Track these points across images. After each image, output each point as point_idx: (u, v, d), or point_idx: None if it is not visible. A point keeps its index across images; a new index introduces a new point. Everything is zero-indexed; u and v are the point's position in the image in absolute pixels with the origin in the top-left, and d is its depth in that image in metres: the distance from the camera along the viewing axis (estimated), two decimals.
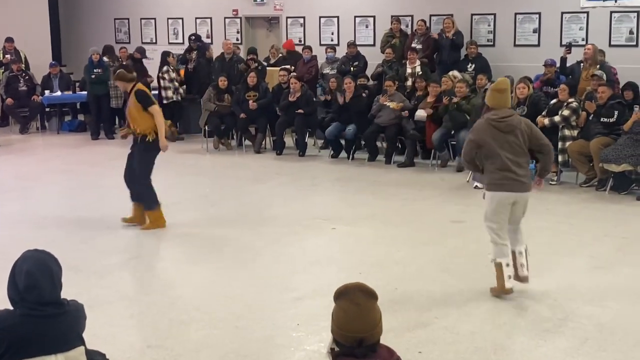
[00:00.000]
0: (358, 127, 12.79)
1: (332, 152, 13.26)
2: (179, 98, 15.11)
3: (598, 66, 12.21)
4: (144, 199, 8.97)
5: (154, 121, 8.78)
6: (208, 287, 7.07)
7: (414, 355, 5.32)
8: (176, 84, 15.07)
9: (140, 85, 8.99)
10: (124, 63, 15.09)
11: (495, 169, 6.52)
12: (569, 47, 12.93)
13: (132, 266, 7.72)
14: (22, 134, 15.75)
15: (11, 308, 3.87)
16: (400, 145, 12.60)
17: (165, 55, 15.28)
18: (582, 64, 12.40)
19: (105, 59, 15.43)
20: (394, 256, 7.90)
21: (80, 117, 16.73)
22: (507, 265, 6.56)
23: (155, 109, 8.83)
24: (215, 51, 16.02)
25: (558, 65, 12.84)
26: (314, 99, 13.74)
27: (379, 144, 12.91)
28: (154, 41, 18.69)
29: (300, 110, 13.13)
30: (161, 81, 15.04)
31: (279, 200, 10.44)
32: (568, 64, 12.72)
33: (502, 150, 6.46)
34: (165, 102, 15.08)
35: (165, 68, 15.01)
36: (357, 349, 3.09)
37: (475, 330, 5.97)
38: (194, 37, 16.19)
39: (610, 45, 13.34)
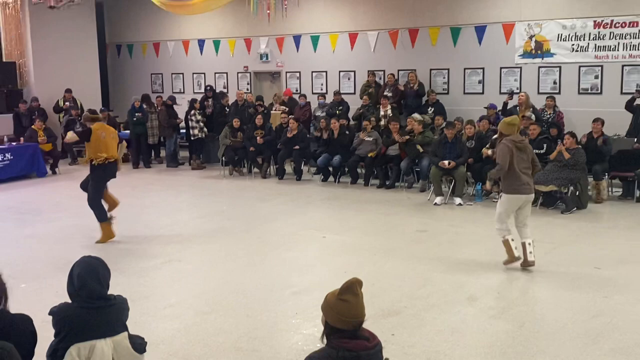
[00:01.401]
0: (342, 157, 12.80)
1: (322, 177, 13.24)
2: (203, 135, 15.12)
3: (531, 109, 12.31)
4: (95, 212, 8.80)
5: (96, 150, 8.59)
6: (224, 285, 7.03)
7: (388, 337, 5.30)
8: (201, 124, 15.07)
9: (94, 125, 8.72)
10: (144, 107, 15.07)
11: (513, 178, 7.20)
12: (510, 94, 13.03)
13: (164, 268, 7.67)
14: (70, 165, 15.67)
15: (69, 301, 3.85)
16: (375, 171, 12.61)
17: (192, 102, 15.31)
18: (517, 107, 12.47)
19: (144, 105, 15.42)
20: (371, 258, 7.88)
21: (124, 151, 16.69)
22: (512, 240, 7.28)
23: (72, 135, 8.83)
24: (231, 99, 16.07)
25: (500, 108, 12.92)
26: (308, 136, 13.75)
27: (359, 170, 12.91)
28: (182, 91, 18.70)
29: (296, 147, 13.15)
30: (189, 122, 15.05)
31: (281, 215, 10.40)
32: (508, 107, 12.80)
33: (518, 164, 7.20)
34: (192, 138, 15.11)
35: (192, 112, 15.03)
36: (357, 330, 3.11)
37: (437, 317, 5.95)
38: (209, 87, 16.25)
39: (538, 92, 13.44)
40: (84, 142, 8.78)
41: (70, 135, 9.03)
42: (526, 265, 7.28)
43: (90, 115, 9.06)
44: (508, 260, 7.36)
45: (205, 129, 15.11)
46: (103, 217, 8.83)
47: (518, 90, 13.43)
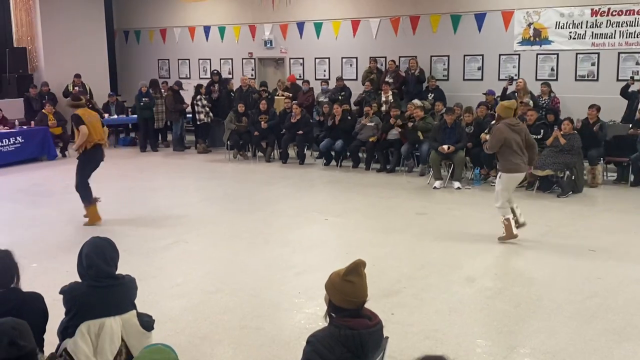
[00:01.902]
0: (344, 142, 12.77)
1: (325, 161, 13.22)
2: (209, 120, 15.08)
3: (529, 95, 12.26)
4: (81, 196, 8.79)
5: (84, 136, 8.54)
6: (229, 265, 7.06)
7: (388, 316, 5.31)
8: (207, 109, 15.03)
9: (78, 111, 8.66)
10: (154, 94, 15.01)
11: (510, 158, 7.51)
12: (510, 80, 12.97)
13: (171, 249, 7.69)
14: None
15: (79, 280, 3.87)
16: (376, 156, 12.59)
17: (198, 87, 15.25)
18: (516, 94, 12.43)
19: (150, 90, 15.38)
20: (372, 240, 7.89)
21: (132, 135, 16.68)
22: (511, 220, 7.62)
23: (83, 129, 8.53)
24: (235, 84, 16.03)
25: (499, 93, 12.86)
26: (311, 121, 13.72)
27: (360, 154, 12.89)
28: (188, 76, 18.62)
29: (299, 132, 13.13)
30: (195, 107, 15.01)
31: (284, 198, 10.41)
32: (507, 93, 12.74)
33: (513, 145, 7.48)
34: (198, 122, 15.07)
35: (198, 97, 14.98)
36: (360, 310, 3.14)
37: (435, 297, 5.97)
38: (215, 72, 16.19)
39: (536, 79, 13.37)
40: (77, 128, 8.57)
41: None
42: (519, 226, 7.73)
43: (73, 102, 8.97)
44: (506, 237, 7.62)
45: (211, 114, 15.08)
46: (89, 201, 8.77)
47: (516, 77, 13.35)
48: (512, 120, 7.63)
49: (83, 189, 8.79)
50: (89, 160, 8.84)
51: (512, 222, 7.65)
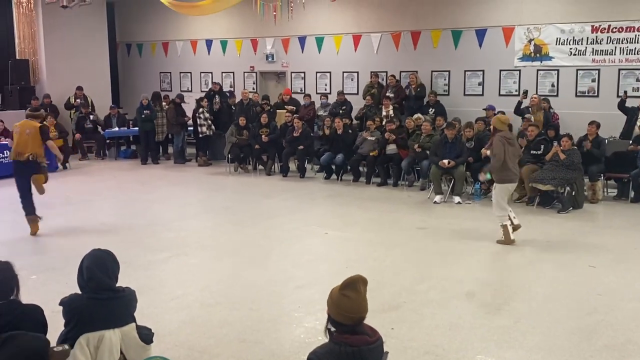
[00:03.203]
0: (345, 156, 12.80)
1: (325, 174, 13.24)
2: (211, 133, 15.10)
3: (542, 111, 12.27)
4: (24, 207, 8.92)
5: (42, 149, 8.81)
6: (229, 278, 7.04)
7: (388, 331, 5.30)
8: (209, 122, 15.06)
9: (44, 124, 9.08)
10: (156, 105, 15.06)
11: (507, 169, 8.01)
12: (525, 93, 12.99)
13: (170, 262, 7.68)
14: (80, 160, 15.66)
15: (79, 292, 3.87)
16: (377, 170, 12.60)
17: (200, 100, 15.30)
18: (530, 109, 12.45)
19: (151, 103, 15.41)
20: (372, 254, 7.89)
21: (133, 147, 16.71)
22: (510, 225, 8.13)
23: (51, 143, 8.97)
24: (237, 97, 16.08)
25: (499, 109, 12.88)
26: (312, 134, 13.75)
27: (361, 168, 12.90)
28: (190, 89, 18.69)
29: (300, 147, 13.16)
30: (197, 119, 15.04)
31: (284, 211, 10.41)
32: (522, 107, 12.76)
33: (510, 156, 8.00)
34: (200, 135, 15.09)
35: (200, 110, 15.02)
36: (358, 326, 3.11)
37: (435, 312, 5.95)
38: (216, 83, 16.25)
39: (537, 95, 13.40)
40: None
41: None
42: (516, 229, 8.23)
43: (38, 114, 9.26)
44: (504, 241, 8.12)
45: (213, 127, 15.10)
46: (26, 212, 8.87)
47: (517, 93, 13.39)
48: (508, 133, 8.20)
49: (21, 199, 8.88)
50: (15, 172, 8.98)
51: (510, 229, 8.14)
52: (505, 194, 8.22)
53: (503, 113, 12.85)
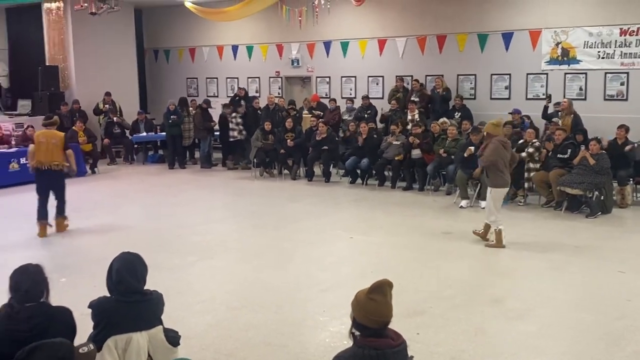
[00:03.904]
0: (370, 160, 12.79)
1: (350, 179, 13.24)
2: (242, 137, 15.15)
3: (572, 115, 12.14)
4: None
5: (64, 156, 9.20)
6: (254, 282, 7.08)
7: (413, 336, 5.28)
8: (241, 126, 15.14)
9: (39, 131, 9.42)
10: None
11: (501, 173, 8.11)
12: (549, 97, 12.89)
13: (197, 265, 7.75)
14: (109, 165, 15.86)
15: (108, 295, 3.92)
16: (402, 174, 12.57)
17: (231, 104, 15.40)
18: (559, 113, 12.34)
19: (179, 108, 15.55)
20: (397, 258, 7.87)
21: (160, 152, 16.88)
22: (504, 230, 8.22)
23: (30, 147, 9.23)
24: (262, 102, 16.14)
25: (525, 113, 12.81)
26: (337, 139, 13.76)
27: (386, 173, 12.89)
28: (216, 95, 18.83)
29: (324, 147, 13.19)
30: (229, 124, 15.14)
31: (309, 215, 10.43)
32: (549, 111, 12.68)
33: (504, 162, 8.11)
34: (231, 139, 15.19)
35: (233, 114, 15.12)
36: (382, 330, 3.11)
37: (461, 317, 5.92)
38: (241, 88, 16.32)
39: (564, 99, 13.26)
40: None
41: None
42: (498, 247, 8.20)
43: (44, 120, 9.63)
44: (496, 245, 8.21)
45: (244, 132, 15.13)
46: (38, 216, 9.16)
47: (544, 96, 13.29)
48: (503, 138, 8.36)
49: (38, 203, 9.19)
50: (37, 180, 9.32)
51: (503, 234, 8.22)
52: (500, 198, 8.32)
53: (528, 117, 12.96)
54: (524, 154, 10.74)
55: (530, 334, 5.54)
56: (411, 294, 6.46)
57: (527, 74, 14.00)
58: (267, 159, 14.13)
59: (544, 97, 13.27)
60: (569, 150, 10.53)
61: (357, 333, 3.15)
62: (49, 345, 2.87)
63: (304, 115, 15.30)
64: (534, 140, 10.91)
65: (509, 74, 14.24)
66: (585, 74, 13.35)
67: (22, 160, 13.35)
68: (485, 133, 8.53)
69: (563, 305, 6.25)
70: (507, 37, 14.13)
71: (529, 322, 5.81)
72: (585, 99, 13.30)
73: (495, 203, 8.23)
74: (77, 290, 6.55)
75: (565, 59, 13.53)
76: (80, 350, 2.96)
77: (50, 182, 9.20)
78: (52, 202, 9.29)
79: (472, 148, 10.69)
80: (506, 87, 14.32)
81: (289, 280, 7.06)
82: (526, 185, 10.80)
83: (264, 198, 11.99)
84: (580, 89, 13.44)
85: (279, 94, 17.44)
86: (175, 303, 6.16)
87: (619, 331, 5.57)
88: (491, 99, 14.49)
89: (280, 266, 7.63)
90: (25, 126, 14.43)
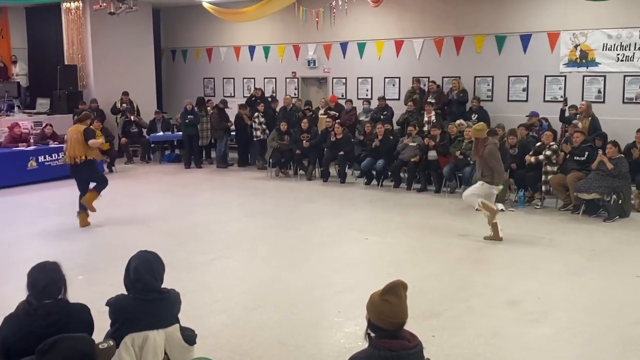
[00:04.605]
0: (386, 161, 12.76)
1: (366, 180, 13.22)
2: (265, 137, 15.13)
3: (590, 117, 12.04)
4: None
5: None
6: (270, 282, 7.09)
7: (428, 338, 5.27)
8: (263, 126, 15.15)
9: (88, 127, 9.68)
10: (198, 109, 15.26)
11: (492, 172, 8.48)
12: (565, 101, 12.82)
13: (212, 264, 7.78)
14: (126, 164, 15.95)
15: (125, 293, 3.95)
16: (418, 176, 12.54)
17: (252, 102, 15.43)
18: (577, 116, 12.25)
19: (195, 108, 15.60)
20: (412, 260, 7.86)
21: (177, 151, 16.96)
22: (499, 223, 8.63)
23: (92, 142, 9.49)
24: (279, 103, 16.16)
25: (552, 117, 12.75)
26: (352, 140, 13.75)
27: (402, 174, 12.86)
28: (233, 95, 18.89)
29: (341, 152, 13.19)
30: (253, 124, 15.18)
31: (325, 216, 10.43)
32: (566, 115, 12.61)
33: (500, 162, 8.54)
34: (255, 139, 15.24)
35: (255, 114, 15.17)
36: (398, 331, 3.11)
37: (477, 320, 5.90)
38: (258, 88, 16.34)
39: (582, 101, 13.16)
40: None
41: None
42: (492, 212, 8.67)
43: (85, 117, 9.98)
44: (493, 237, 8.63)
45: (267, 131, 15.13)
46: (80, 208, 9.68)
47: (562, 99, 13.21)
48: (493, 139, 8.75)
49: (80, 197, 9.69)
50: (71, 174, 9.83)
51: (499, 226, 8.63)
52: (486, 194, 8.61)
53: (546, 120, 12.87)
54: (541, 157, 10.68)
55: (546, 338, 5.51)
56: (427, 296, 6.44)
57: (545, 76, 13.90)
58: (282, 160, 14.15)
59: (562, 99, 13.19)
60: (587, 153, 10.44)
61: (372, 334, 3.15)
62: (72, 338, 2.91)
63: (319, 116, 15.30)
64: (551, 143, 10.83)
65: (527, 76, 14.15)
66: (604, 76, 13.23)
67: (41, 159, 13.52)
68: (473, 139, 8.90)
69: (579, 309, 6.21)
70: (525, 38, 14.05)
71: (545, 326, 5.77)
72: (603, 101, 13.18)
73: (475, 192, 8.66)
74: (93, 288, 6.59)
75: (583, 61, 13.42)
76: (100, 346, 2.99)
77: (79, 175, 9.61)
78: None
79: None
80: (524, 89, 14.24)
81: (305, 281, 7.07)
82: (543, 188, 10.73)
83: (280, 198, 12.01)
84: (599, 91, 13.32)
85: (295, 94, 17.45)
86: (191, 302, 6.18)
87: (635, 336, 5.52)
88: (508, 101, 14.41)
89: (296, 266, 7.64)
90: (43, 124, 14.55)
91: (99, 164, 10.90)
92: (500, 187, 8.89)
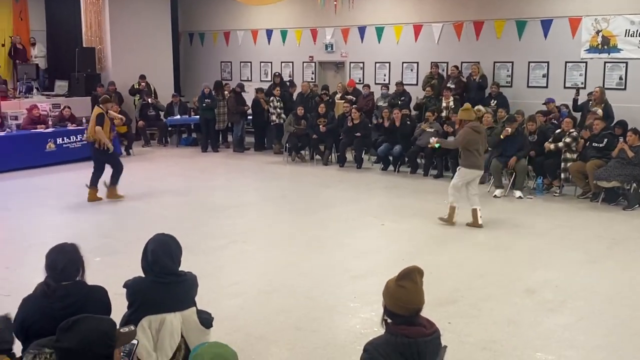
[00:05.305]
0: (403, 147, 12.70)
1: (382, 166, 13.17)
2: (281, 121, 15.10)
3: (603, 104, 11.90)
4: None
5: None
6: (285, 266, 7.10)
7: (444, 325, 5.22)
8: (279, 110, 15.12)
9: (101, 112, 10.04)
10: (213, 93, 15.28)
11: (472, 156, 8.50)
12: (577, 91, 12.68)
13: (229, 248, 7.80)
14: (143, 147, 16.01)
15: (142, 275, 3.95)
16: (435, 162, 12.46)
17: (271, 88, 15.42)
18: (590, 102, 12.10)
19: (213, 92, 15.58)
20: (429, 247, 7.82)
21: (194, 135, 16.99)
22: (480, 209, 8.68)
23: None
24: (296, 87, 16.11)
25: (571, 104, 12.61)
26: (369, 125, 13.69)
27: (419, 160, 12.79)
28: (250, 79, 18.85)
29: (357, 134, 13.14)
30: (269, 108, 15.17)
31: (341, 201, 10.41)
32: (579, 103, 12.49)
33: (475, 145, 8.47)
34: (271, 124, 15.22)
35: (271, 98, 15.14)
36: (414, 317, 3.09)
37: (493, 308, 5.86)
38: (277, 74, 16.28)
39: (604, 88, 12.97)
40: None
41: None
42: (475, 226, 8.62)
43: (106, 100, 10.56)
44: (472, 224, 8.65)
45: (283, 115, 15.10)
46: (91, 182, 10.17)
47: (583, 85, 13.05)
48: (475, 123, 8.75)
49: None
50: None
51: (479, 212, 8.65)
52: (466, 179, 8.63)
53: (566, 106, 12.71)
54: (561, 144, 10.56)
55: (563, 327, 5.47)
56: (443, 283, 6.41)
57: (566, 62, 13.72)
58: (299, 144, 14.13)
59: (583, 86, 13.01)
60: (605, 140, 10.30)
61: (389, 321, 3.13)
62: (94, 319, 2.92)
63: (337, 101, 15.24)
64: (571, 130, 10.70)
65: (547, 62, 13.97)
66: (626, 63, 13.03)
67: (59, 141, 13.60)
68: (459, 120, 8.93)
69: (598, 298, 6.15)
70: (546, 24, 13.86)
71: (563, 314, 5.73)
72: (625, 88, 12.99)
73: (458, 181, 8.65)
74: (110, 270, 6.62)
75: (605, 47, 13.21)
76: (122, 330, 3.00)
77: (94, 155, 10.19)
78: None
79: (509, 129, 10.61)
80: (544, 75, 14.06)
81: (320, 266, 7.07)
82: (562, 175, 10.62)
83: (296, 183, 12.00)
84: (620, 78, 13.13)
85: (312, 79, 17.40)
86: (207, 285, 6.16)
87: None
88: (528, 87, 14.25)
89: (312, 251, 7.64)
90: (62, 107, 14.62)
91: (116, 147, 11.01)
92: (436, 145, 9.56)
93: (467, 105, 9.12)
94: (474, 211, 8.67)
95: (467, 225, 8.66)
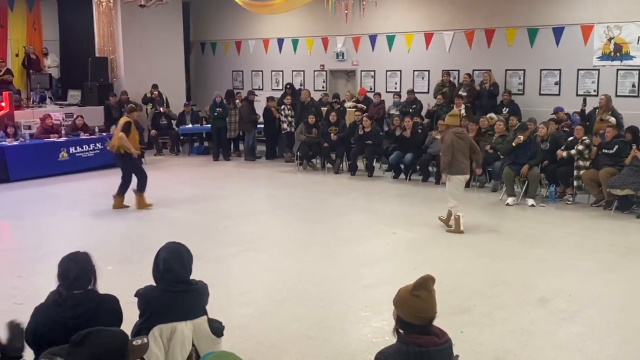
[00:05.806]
0: (414, 155, 12.67)
1: (394, 174, 13.14)
2: (293, 129, 15.12)
3: (610, 112, 11.84)
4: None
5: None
6: (297, 275, 7.09)
7: (457, 334, 5.19)
8: (290, 118, 15.15)
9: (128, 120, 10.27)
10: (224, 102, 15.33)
11: (457, 162, 8.63)
12: (584, 101, 12.63)
13: (240, 256, 7.79)
14: (155, 156, 16.07)
15: (154, 284, 3.95)
16: None
17: (282, 97, 15.45)
18: (597, 110, 12.04)
19: (224, 100, 15.63)
20: (441, 255, 7.78)
21: (205, 144, 17.04)
22: (463, 217, 8.73)
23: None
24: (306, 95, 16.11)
25: (578, 113, 12.55)
26: (381, 133, 13.67)
27: (430, 168, 12.76)
28: (261, 87, 18.91)
29: (369, 141, 13.12)
30: (280, 117, 15.20)
31: (352, 210, 10.39)
32: (587, 112, 12.43)
33: (459, 151, 8.63)
34: (282, 132, 15.25)
35: (282, 107, 15.18)
36: (427, 326, 3.07)
37: (507, 317, 5.82)
38: (288, 86, 16.32)
39: (616, 95, 12.90)
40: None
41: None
42: (457, 232, 8.68)
43: (134, 109, 10.89)
44: (454, 231, 8.71)
45: (294, 123, 15.13)
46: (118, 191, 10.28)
47: (595, 93, 12.97)
48: (458, 129, 8.94)
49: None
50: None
51: (461, 220, 8.69)
52: (460, 185, 8.78)
53: (578, 114, 12.65)
54: (573, 152, 10.50)
55: (577, 336, 5.42)
56: (456, 292, 6.37)
57: (578, 69, 13.66)
58: (310, 152, 14.13)
59: (596, 94, 12.94)
60: (616, 147, 10.22)
61: (401, 331, 3.11)
62: (106, 332, 2.90)
63: (348, 110, 15.23)
64: (583, 138, 10.63)
65: (559, 70, 13.92)
66: (639, 70, 12.96)
67: (72, 150, 13.68)
68: (445, 126, 9.10)
69: (612, 308, 6.09)
70: (558, 31, 13.81)
71: (576, 324, 5.68)
72: (638, 95, 12.91)
73: (454, 190, 8.75)
74: (122, 279, 6.63)
75: (617, 54, 13.15)
76: (134, 343, 2.97)
77: (120, 164, 10.32)
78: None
79: (522, 137, 10.57)
80: (556, 83, 14.01)
81: (332, 274, 7.05)
82: (575, 183, 10.55)
83: (307, 192, 11.99)
84: (633, 85, 13.05)
85: (323, 87, 17.42)
86: (218, 293, 6.16)
87: None
88: (540, 94, 14.19)
89: (323, 260, 7.62)
90: (74, 116, 14.72)
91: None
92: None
93: (454, 111, 9.22)
94: (457, 218, 8.77)
95: (447, 231, 8.82)
